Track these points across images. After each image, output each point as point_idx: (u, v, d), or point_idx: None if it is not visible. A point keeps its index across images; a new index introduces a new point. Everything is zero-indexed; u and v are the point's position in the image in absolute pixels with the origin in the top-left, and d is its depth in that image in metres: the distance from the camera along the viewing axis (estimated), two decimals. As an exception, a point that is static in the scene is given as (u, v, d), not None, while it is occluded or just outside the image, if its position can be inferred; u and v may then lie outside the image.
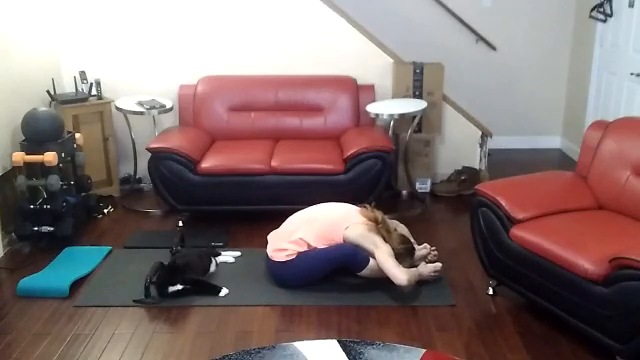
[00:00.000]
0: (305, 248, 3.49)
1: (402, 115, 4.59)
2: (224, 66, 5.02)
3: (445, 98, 5.05)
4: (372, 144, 4.32)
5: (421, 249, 3.70)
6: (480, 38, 5.95)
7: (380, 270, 3.44)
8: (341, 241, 3.49)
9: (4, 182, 4.03)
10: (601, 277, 2.71)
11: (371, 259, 3.44)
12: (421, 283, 3.51)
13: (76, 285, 3.55)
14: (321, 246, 3.50)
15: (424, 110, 4.63)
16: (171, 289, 3.39)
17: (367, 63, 5.01)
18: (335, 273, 3.53)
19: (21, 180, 3.98)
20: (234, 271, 3.72)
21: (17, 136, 4.14)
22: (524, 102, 6.13)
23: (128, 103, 4.76)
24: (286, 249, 3.49)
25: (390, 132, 4.74)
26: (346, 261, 3.47)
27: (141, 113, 4.70)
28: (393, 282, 3.32)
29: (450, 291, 3.49)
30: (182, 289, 3.40)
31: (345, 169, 4.29)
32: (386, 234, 3.49)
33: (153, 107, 4.70)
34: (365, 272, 3.46)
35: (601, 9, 5.26)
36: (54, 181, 3.98)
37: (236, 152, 4.46)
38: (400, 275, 3.29)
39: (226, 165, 4.31)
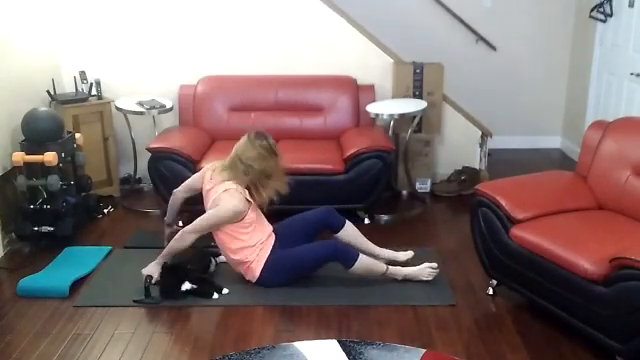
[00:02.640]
0: (245, 256, 3.47)
1: (402, 115, 4.59)
2: (224, 66, 5.02)
3: (445, 98, 5.05)
4: (372, 144, 4.32)
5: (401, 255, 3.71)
6: (480, 38, 5.94)
7: (372, 265, 3.49)
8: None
9: (4, 182, 4.03)
10: (601, 277, 2.71)
11: (360, 255, 3.46)
12: (421, 283, 3.53)
13: (76, 285, 3.55)
14: (227, 239, 3.48)
15: (424, 110, 4.63)
16: (183, 287, 3.39)
17: (367, 63, 5.01)
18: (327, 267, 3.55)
19: (21, 180, 3.98)
20: (234, 271, 3.71)
21: (17, 136, 4.14)
22: (524, 102, 6.12)
23: (128, 103, 4.76)
24: (242, 264, 3.50)
25: (390, 132, 4.74)
26: (333, 258, 3.47)
27: (141, 113, 4.70)
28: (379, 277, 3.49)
29: (450, 291, 3.48)
30: (191, 288, 3.40)
31: (345, 169, 4.30)
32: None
33: (153, 107, 4.70)
34: (356, 268, 3.45)
35: (601, 9, 5.26)
36: (54, 181, 3.98)
37: (236, 152, 4.46)
38: (183, 234, 3.46)
39: (226, 165, 4.30)
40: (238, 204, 3.41)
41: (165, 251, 3.50)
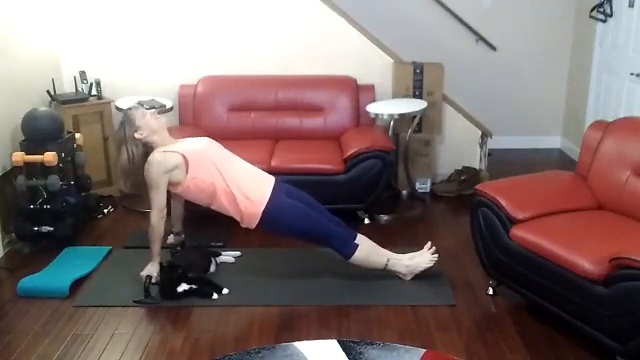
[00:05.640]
0: (226, 200, 3.48)
1: (402, 115, 4.58)
2: (224, 66, 5.02)
3: (445, 98, 5.05)
4: (372, 144, 4.32)
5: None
6: (480, 38, 5.95)
7: (373, 256, 3.50)
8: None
9: (4, 182, 4.03)
10: (601, 277, 2.71)
11: (360, 245, 3.46)
12: (421, 278, 3.54)
13: (76, 285, 3.55)
14: (191, 195, 3.54)
15: (424, 110, 4.63)
16: (180, 289, 3.39)
17: (367, 63, 5.01)
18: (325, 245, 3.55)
19: (21, 180, 3.98)
20: (234, 271, 3.72)
21: (17, 136, 4.14)
22: (524, 102, 6.12)
23: (128, 103, 4.75)
24: (234, 209, 3.48)
25: (390, 132, 4.74)
26: (329, 246, 3.49)
27: (141, 113, 4.69)
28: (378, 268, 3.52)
29: (450, 291, 3.49)
30: (189, 289, 3.40)
31: (345, 169, 4.30)
32: None
33: (153, 107, 4.69)
34: (355, 259, 3.47)
35: (601, 9, 5.26)
36: (54, 181, 3.98)
37: (236, 152, 4.44)
38: (150, 219, 3.49)
39: (226, 165, 4.30)
40: (156, 156, 3.42)
41: (151, 246, 3.51)
